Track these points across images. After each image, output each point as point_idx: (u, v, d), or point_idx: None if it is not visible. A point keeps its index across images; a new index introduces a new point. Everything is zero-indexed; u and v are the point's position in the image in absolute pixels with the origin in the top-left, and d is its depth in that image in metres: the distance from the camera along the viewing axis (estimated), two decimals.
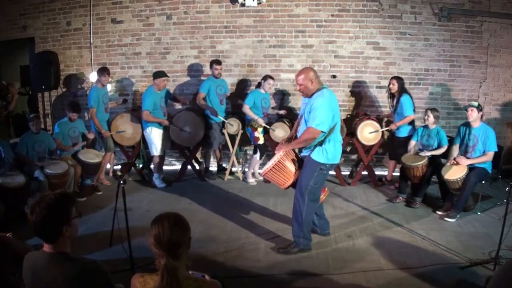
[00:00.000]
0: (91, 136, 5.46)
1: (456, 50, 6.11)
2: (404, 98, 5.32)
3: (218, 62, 5.83)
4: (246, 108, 5.69)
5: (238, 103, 6.32)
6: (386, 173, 6.26)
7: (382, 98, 6.29)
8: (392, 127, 5.45)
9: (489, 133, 4.52)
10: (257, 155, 5.88)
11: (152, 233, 1.73)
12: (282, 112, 6.11)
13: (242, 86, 6.51)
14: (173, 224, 1.73)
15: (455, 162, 4.62)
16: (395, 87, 5.41)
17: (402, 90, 5.40)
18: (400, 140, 5.49)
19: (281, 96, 6.48)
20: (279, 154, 3.74)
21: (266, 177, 3.87)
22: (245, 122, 5.89)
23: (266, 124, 5.80)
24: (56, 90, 6.68)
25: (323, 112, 3.43)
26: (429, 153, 4.91)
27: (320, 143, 3.58)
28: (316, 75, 3.62)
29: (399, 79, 5.45)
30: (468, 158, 4.63)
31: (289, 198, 4.31)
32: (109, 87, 6.20)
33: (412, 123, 5.46)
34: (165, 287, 1.67)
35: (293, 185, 3.83)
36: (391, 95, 5.57)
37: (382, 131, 5.63)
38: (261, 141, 5.80)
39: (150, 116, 5.48)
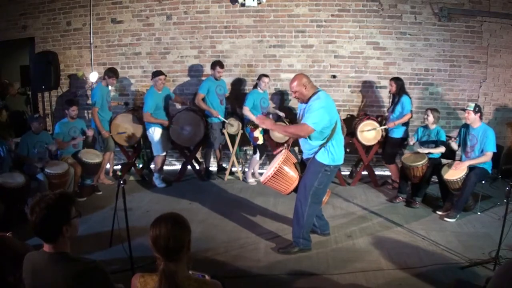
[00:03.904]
0: (90, 133, 5.42)
1: (456, 50, 6.11)
2: (405, 99, 5.35)
3: (222, 65, 5.82)
4: (246, 110, 5.68)
5: (237, 103, 6.31)
6: (386, 173, 6.26)
7: (382, 98, 6.29)
8: (390, 125, 5.44)
9: (488, 133, 4.50)
10: (257, 155, 5.88)
11: (150, 237, 1.73)
12: (281, 114, 6.10)
13: (242, 86, 6.51)
14: (170, 228, 1.71)
15: (455, 168, 4.59)
16: (393, 88, 5.43)
17: (401, 90, 5.41)
18: (395, 140, 5.48)
19: (281, 96, 6.49)
20: (278, 161, 3.68)
21: (267, 185, 3.79)
22: (244, 122, 5.89)
23: None
24: (56, 90, 6.68)
25: (320, 114, 3.44)
26: (427, 150, 4.90)
27: (325, 145, 3.58)
28: (309, 80, 3.62)
29: (397, 79, 5.45)
30: (467, 158, 4.63)
31: (290, 198, 4.31)
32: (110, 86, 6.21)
33: (406, 124, 5.46)
34: None
35: (296, 189, 3.78)
36: (392, 96, 5.58)
37: (380, 130, 5.61)
38: (260, 141, 5.80)
39: (151, 117, 5.50)
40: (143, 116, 5.58)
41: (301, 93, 3.59)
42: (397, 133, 5.45)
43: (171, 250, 1.70)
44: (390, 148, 5.57)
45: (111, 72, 5.68)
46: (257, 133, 5.76)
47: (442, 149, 4.93)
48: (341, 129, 3.74)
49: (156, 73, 5.56)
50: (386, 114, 5.75)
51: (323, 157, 3.59)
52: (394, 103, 5.45)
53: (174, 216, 1.79)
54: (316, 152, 3.62)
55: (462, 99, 6.21)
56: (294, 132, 3.59)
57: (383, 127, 5.58)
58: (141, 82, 6.67)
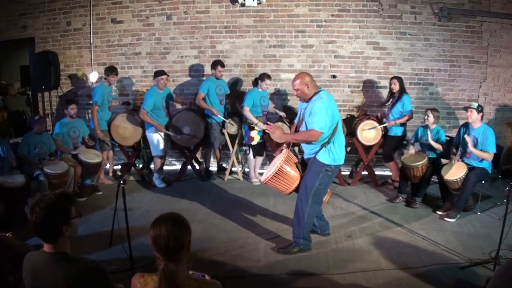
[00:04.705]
0: (90, 143, 5.47)
1: (456, 50, 6.11)
2: (406, 97, 5.41)
3: (223, 65, 5.83)
4: (246, 111, 5.64)
5: (237, 103, 6.30)
6: (386, 173, 6.26)
7: (382, 98, 6.28)
8: (391, 123, 5.44)
9: (488, 134, 4.51)
10: (250, 155, 5.88)
11: (150, 237, 1.73)
12: (282, 114, 6.10)
13: (242, 86, 6.50)
14: (170, 228, 1.71)
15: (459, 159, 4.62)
16: (396, 86, 5.46)
17: (403, 89, 5.47)
18: (393, 138, 5.52)
19: (281, 96, 6.48)
20: (280, 160, 3.68)
21: (268, 185, 3.78)
22: (243, 120, 5.89)
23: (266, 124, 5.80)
24: (56, 90, 6.68)
25: (324, 115, 3.45)
26: (431, 141, 4.88)
27: (326, 144, 3.58)
28: (312, 79, 3.62)
29: (399, 78, 5.50)
30: (467, 158, 4.63)
31: (290, 198, 4.31)
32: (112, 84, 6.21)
33: (405, 123, 5.48)
34: None
35: (297, 189, 3.77)
36: (391, 95, 5.61)
37: (380, 128, 5.61)
38: (255, 141, 5.78)
39: (146, 116, 5.46)
40: (139, 112, 5.54)
41: (302, 91, 3.58)
42: (396, 131, 5.48)
43: (171, 250, 1.70)
44: (388, 146, 5.62)
45: (109, 70, 5.68)
46: (254, 133, 5.75)
47: (440, 146, 4.92)
48: (342, 130, 3.74)
49: (158, 73, 5.56)
50: (385, 110, 5.75)
51: (324, 157, 3.59)
52: (394, 101, 5.48)
53: (174, 216, 1.79)
54: (317, 152, 3.62)
55: (462, 99, 6.21)
56: (307, 139, 3.57)
57: (382, 126, 5.59)
58: (141, 82, 6.67)
